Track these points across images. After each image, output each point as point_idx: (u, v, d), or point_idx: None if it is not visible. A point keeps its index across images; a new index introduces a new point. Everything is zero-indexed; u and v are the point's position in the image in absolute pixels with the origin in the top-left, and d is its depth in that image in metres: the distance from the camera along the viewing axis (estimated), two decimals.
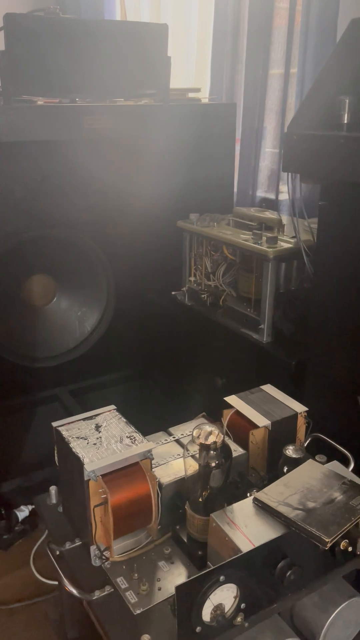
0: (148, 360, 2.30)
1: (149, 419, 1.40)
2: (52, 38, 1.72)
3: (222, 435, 1.08)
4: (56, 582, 1.61)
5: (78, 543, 1.17)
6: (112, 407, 1.27)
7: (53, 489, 1.29)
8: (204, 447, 1.07)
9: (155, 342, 2.23)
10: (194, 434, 1.09)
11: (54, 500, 1.29)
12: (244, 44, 2.31)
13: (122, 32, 1.81)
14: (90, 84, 1.81)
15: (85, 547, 1.15)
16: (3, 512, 1.87)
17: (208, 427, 1.10)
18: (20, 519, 1.90)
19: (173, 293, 2.11)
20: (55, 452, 1.22)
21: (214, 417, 1.46)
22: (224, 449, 1.08)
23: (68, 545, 1.17)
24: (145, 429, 1.25)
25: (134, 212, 2.01)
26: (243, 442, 1.31)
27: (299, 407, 1.35)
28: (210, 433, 1.07)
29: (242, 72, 2.36)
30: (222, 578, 0.92)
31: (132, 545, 1.15)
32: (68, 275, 2.15)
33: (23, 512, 1.92)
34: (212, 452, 1.06)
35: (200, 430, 1.08)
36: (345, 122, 1.24)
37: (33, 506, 1.84)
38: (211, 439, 1.06)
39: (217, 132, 2.11)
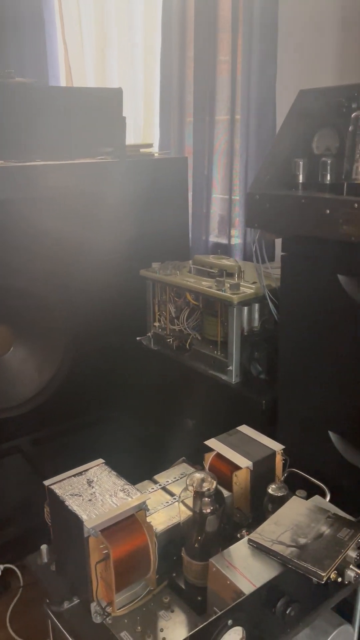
0: (113, 405, 2.32)
1: (125, 464, 1.43)
2: (8, 103, 1.79)
3: (215, 482, 1.13)
4: None
5: (76, 601, 1.17)
6: (101, 460, 1.29)
7: (44, 548, 1.28)
8: (199, 495, 1.12)
9: (121, 387, 2.26)
10: (187, 482, 1.13)
11: (45, 560, 1.28)
12: (190, 96, 2.46)
13: (81, 97, 1.91)
14: (50, 146, 1.88)
15: (83, 605, 1.16)
16: None
17: (199, 475, 1.15)
18: None
19: (138, 338, 2.16)
20: (47, 510, 1.23)
21: (190, 460, 1.51)
22: (217, 495, 1.13)
23: (66, 605, 1.17)
24: (124, 476, 1.27)
25: (94, 262, 2.07)
26: (226, 484, 1.37)
27: (276, 446, 1.43)
28: (203, 480, 1.12)
29: (190, 123, 2.50)
30: (230, 622, 0.96)
31: (131, 598, 1.17)
32: (26, 325, 2.16)
33: None
34: (206, 498, 1.11)
35: (193, 478, 1.13)
36: (301, 181, 1.37)
37: (4, 566, 1.79)
38: (205, 486, 1.11)
39: (171, 184, 2.22)
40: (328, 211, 1.21)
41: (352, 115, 1.22)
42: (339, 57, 1.89)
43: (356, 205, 1.16)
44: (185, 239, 2.37)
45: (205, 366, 1.90)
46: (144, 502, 1.15)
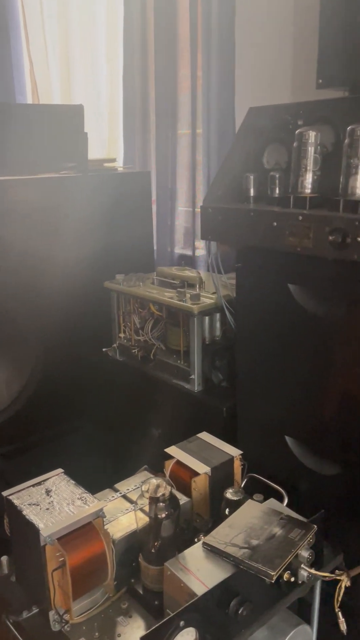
0: (82, 417, 2.33)
1: (90, 475, 1.45)
2: None
3: (170, 487, 1.16)
4: None
5: (35, 610, 1.19)
6: (60, 470, 1.31)
7: (4, 559, 1.29)
8: (154, 500, 1.14)
9: (88, 398, 2.28)
10: (143, 489, 1.16)
11: (5, 571, 1.29)
12: (152, 110, 2.51)
13: (43, 114, 1.95)
14: (12, 162, 1.91)
15: (43, 614, 1.17)
16: None
17: (155, 481, 1.18)
18: None
19: (104, 350, 2.18)
20: (6, 521, 1.24)
21: (155, 468, 1.54)
22: (172, 500, 1.16)
23: (25, 614, 1.18)
24: (88, 487, 1.30)
25: (60, 275, 2.09)
26: (186, 490, 1.40)
27: (234, 451, 1.46)
28: (158, 486, 1.15)
29: (153, 138, 2.55)
30: (182, 623, 0.98)
31: (90, 605, 1.18)
32: None
33: None
34: (161, 504, 1.14)
35: (149, 484, 1.16)
36: (252, 195, 1.42)
37: None
38: (160, 492, 1.14)
39: (135, 198, 2.27)
40: (275, 223, 1.26)
41: (296, 131, 1.28)
42: (291, 75, 1.96)
43: (300, 217, 1.21)
44: (149, 251, 2.41)
45: (169, 375, 1.93)
46: (101, 510, 1.17)
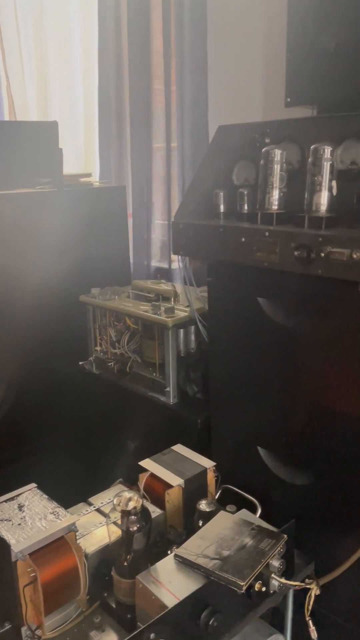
0: (58, 431, 2.33)
1: (67, 490, 1.46)
2: None
3: (141, 500, 1.17)
4: None
5: (8, 627, 1.18)
6: (33, 485, 1.32)
7: None
8: (125, 513, 1.15)
9: (65, 412, 2.28)
10: (115, 502, 1.17)
11: None
12: (127, 125, 2.54)
13: (18, 131, 1.97)
14: None
15: (15, 630, 1.17)
16: None
17: (127, 494, 1.19)
18: None
19: (80, 363, 2.19)
20: None
21: (131, 481, 1.55)
22: (144, 513, 1.17)
23: None
24: (64, 501, 1.30)
25: (37, 289, 2.10)
26: (160, 503, 1.41)
27: (207, 463, 1.48)
28: (129, 499, 1.16)
29: (128, 152, 2.58)
30: (152, 636, 0.99)
31: (63, 620, 1.19)
32: None
33: None
34: (132, 517, 1.15)
35: (120, 498, 1.17)
36: (222, 211, 1.46)
37: None
38: (131, 505, 1.15)
39: (110, 212, 2.29)
40: (244, 239, 1.30)
41: (263, 150, 1.32)
42: (263, 93, 2.01)
43: (267, 233, 1.24)
44: (126, 265, 2.43)
45: (144, 388, 1.94)
46: (73, 524, 1.18)
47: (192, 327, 1.89)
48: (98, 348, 2.15)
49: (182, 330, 1.87)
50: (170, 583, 1.10)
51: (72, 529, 1.17)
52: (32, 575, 1.10)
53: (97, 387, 2.13)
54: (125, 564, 1.17)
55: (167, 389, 1.85)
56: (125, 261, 2.43)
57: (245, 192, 1.39)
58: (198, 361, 1.84)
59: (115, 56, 2.52)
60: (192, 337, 1.91)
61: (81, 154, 2.82)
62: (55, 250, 2.12)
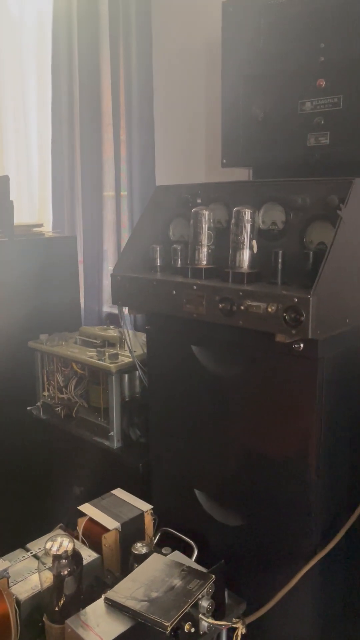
0: (5, 476, 2.33)
1: (5, 535, 1.47)
2: None
3: (72, 544, 1.21)
4: None
5: None
6: None
7: None
8: (56, 557, 1.18)
9: (12, 457, 2.29)
10: (47, 546, 1.20)
11: None
12: (78, 174, 2.66)
13: None
14: None
15: None
16: None
17: (59, 538, 1.22)
18: None
19: (28, 408, 2.22)
20: None
21: (74, 526, 1.57)
22: (75, 557, 1.21)
23: None
24: (3, 548, 1.32)
25: None
26: (98, 547, 1.44)
27: (144, 506, 1.53)
28: (60, 544, 1.19)
29: (79, 201, 2.68)
30: None
31: None
32: None
33: None
34: (63, 560, 1.18)
35: (52, 542, 1.20)
36: (158, 264, 1.56)
37: None
38: (62, 549, 1.18)
39: (61, 260, 2.39)
40: (174, 292, 1.39)
41: (192, 210, 1.43)
42: (205, 154, 2.16)
43: (195, 287, 1.34)
44: (76, 311, 2.51)
45: (90, 433, 1.99)
46: (6, 570, 1.20)
47: (137, 373, 1.96)
48: (46, 393, 2.19)
49: (126, 376, 1.93)
50: (98, 626, 1.13)
51: (4, 575, 1.20)
52: None
53: (43, 432, 2.16)
54: (57, 609, 1.20)
55: (111, 433, 1.90)
56: (76, 307, 2.50)
57: (179, 248, 1.50)
58: (142, 406, 1.90)
59: (68, 112, 2.65)
60: (137, 382, 1.98)
61: (35, 205, 2.92)
62: (5, 298, 2.18)
